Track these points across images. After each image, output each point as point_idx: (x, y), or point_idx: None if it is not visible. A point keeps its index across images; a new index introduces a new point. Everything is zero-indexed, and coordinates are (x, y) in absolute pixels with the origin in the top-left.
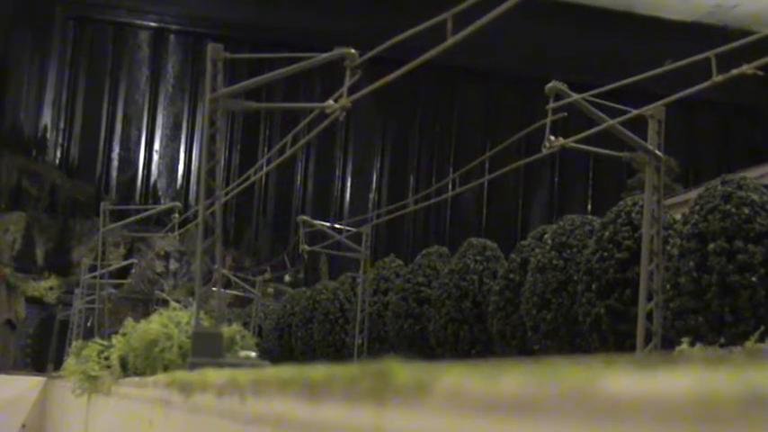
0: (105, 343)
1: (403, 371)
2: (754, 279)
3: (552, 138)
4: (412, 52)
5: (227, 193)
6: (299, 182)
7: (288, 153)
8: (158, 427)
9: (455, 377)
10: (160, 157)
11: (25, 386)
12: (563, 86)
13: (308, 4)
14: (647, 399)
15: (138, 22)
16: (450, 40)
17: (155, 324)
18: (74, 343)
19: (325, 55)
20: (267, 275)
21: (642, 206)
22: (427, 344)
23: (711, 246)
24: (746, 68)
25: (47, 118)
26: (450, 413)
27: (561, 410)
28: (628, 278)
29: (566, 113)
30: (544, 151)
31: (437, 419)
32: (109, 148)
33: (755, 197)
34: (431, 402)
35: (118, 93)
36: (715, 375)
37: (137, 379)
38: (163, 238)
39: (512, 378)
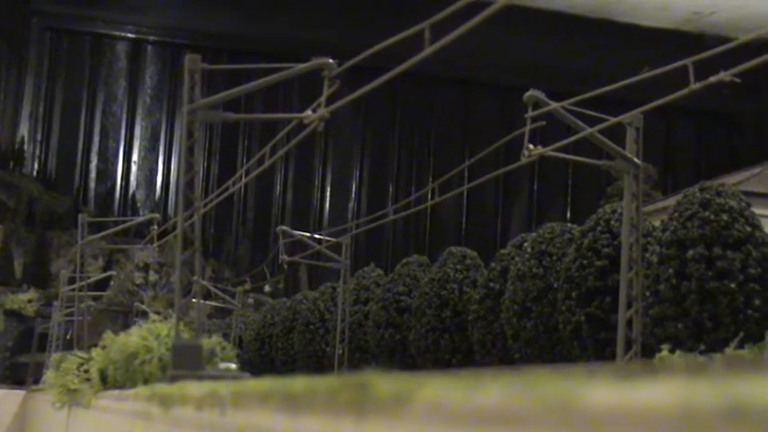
0: (85, 356)
1: (383, 382)
2: (733, 286)
3: (531, 146)
4: (390, 62)
5: (206, 204)
6: (278, 192)
7: (267, 164)
8: None
9: (435, 389)
10: (138, 169)
11: (4, 400)
12: (541, 95)
13: (286, 15)
14: (629, 410)
15: (116, 33)
16: (429, 50)
17: (134, 337)
18: (53, 356)
19: (303, 65)
20: (247, 286)
21: (621, 214)
22: (408, 353)
23: (690, 253)
24: (724, 75)
25: (24, 130)
26: (431, 425)
27: (542, 422)
28: (607, 286)
29: (544, 122)
30: (523, 160)
31: (417, 431)
32: (87, 160)
33: (734, 204)
34: (411, 414)
35: (95, 104)
36: (697, 386)
37: (116, 392)
38: (142, 249)
39: (492, 389)
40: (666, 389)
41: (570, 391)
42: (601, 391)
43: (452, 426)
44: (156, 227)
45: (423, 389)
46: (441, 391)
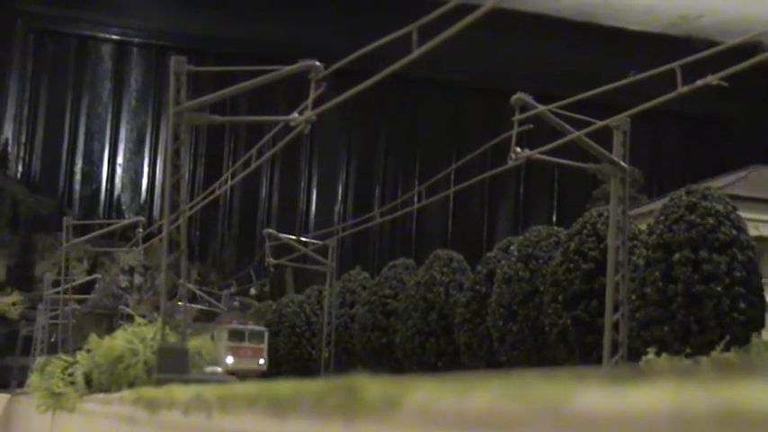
0: (69, 359)
1: (372, 386)
2: (718, 289)
3: (518, 149)
4: (378, 64)
5: (191, 207)
6: (264, 195)
7: (253, 166)
8: None
9: (425, 392)
10: (124, 171)
11: None
12: (528, 98)
13: (273, 17)
14: (619, 415)
15: (101, 35)
16: (416, 53)
17: (119, 340)
18: (38, 359)
19: (289, 67)
20: (233, 289)
21: (607, 217)
22: (394, 356)
23: (677, 256)
24: (711, 79)
25: (8, 132)
26: (420, 429)
27: (532, 427)
28: (594, 289)
29: (531, 125)
30: (510, 163)
31: None
32: (71, 163)
33: (720, 207)
34: (400, 418)
35: (80, 106)
36: (686, 390)
37: (102, 396)
38: (127, 252)
39: (482, 394)
40: (656, 392)
41: (561, 396)
42: (590, 394)
43: (442, 430)
44: (141, 230)
45: (413, 392)
46: (430, 394)
